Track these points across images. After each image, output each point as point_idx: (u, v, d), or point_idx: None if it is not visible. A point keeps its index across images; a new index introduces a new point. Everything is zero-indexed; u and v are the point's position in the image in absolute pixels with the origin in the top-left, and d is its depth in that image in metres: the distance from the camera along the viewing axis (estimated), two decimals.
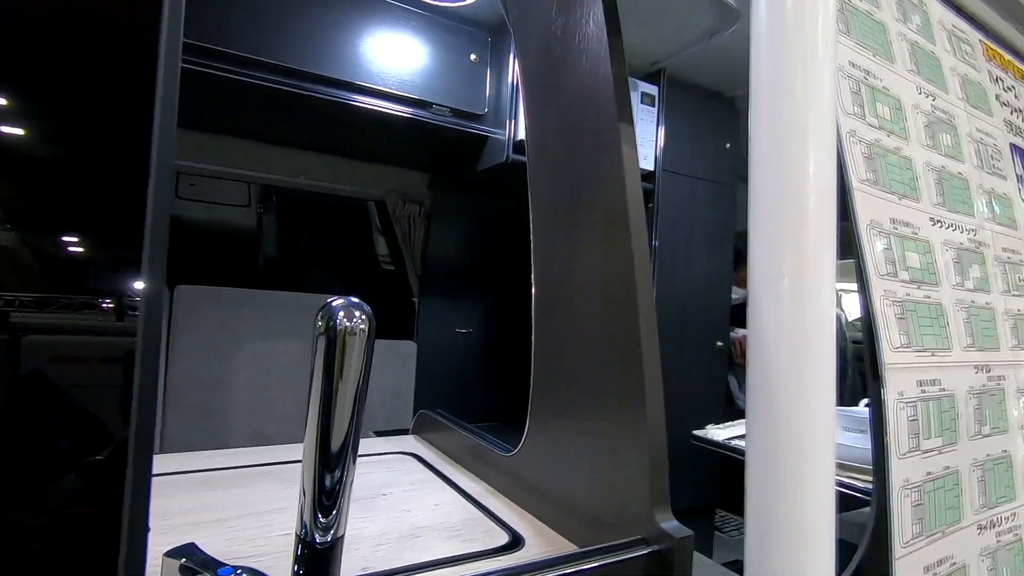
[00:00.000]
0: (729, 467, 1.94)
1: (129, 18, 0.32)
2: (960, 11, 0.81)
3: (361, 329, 0.39)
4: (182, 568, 0.39)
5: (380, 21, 1.66)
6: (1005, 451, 0.64)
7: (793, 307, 0.36)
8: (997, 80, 0.83)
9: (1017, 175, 0.80)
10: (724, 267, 2.38)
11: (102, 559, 0.27)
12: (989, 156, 0.75)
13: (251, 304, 1.95)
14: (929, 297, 0.58)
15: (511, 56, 1.88)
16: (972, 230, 0.67)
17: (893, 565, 0.48)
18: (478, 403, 2.35)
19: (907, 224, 0.58)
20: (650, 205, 2.29)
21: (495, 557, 0.59)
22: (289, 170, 2.11)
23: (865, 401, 1.47)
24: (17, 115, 0.28)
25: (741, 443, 0.97)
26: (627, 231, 0.56)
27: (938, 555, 0.53)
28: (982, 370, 0.63)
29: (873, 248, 0.53)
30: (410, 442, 1.03)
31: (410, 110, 1.77)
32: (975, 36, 0.82)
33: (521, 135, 1.88)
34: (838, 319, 2.20)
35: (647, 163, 2.25)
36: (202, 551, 0.41)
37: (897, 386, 0.51)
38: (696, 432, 1.70)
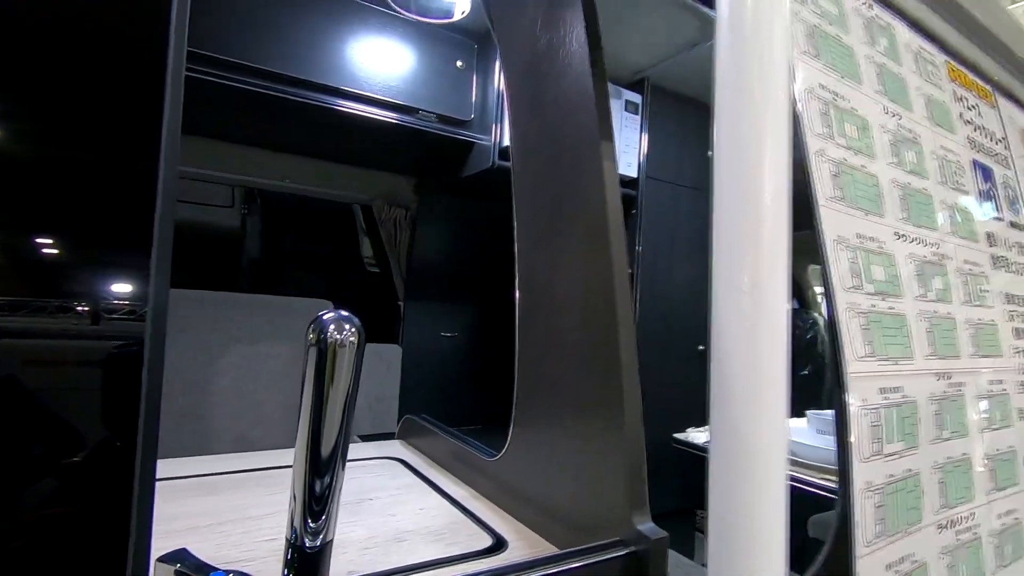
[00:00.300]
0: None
1: (138, 29, 0.33)
2: (926, 34, 0.85)
3: (351, 341, 0.41)
4: (176, 573, 0.40)
5: (367, 27, 1.67)
6: (964, 454, 0.67)
7: (750, 319, 0.39)
8: (960, 99, 0.87)
9: (979, 190, 0.84)
10: (706, 272, 2.42)
11: (94, 565, 0.28)
12: (952, 172, 0.79)
13: (236, 308, 1.95)
14: (893, 308, 0.61)
15: (497, 63, 1.91)
16: (935, 243, 0.71)
17: (856, 564, 0.51)
18: (462, 406, 2.37)
19: (872, 239, 0.61)
20: (633, 211, 2.32)
21: (478, 560, 0.60)
22: (275, 173, 2.11)
23: None
24: (22, 121, 0.30)
25: None
26: (607, 244, 0.59)
27: (899, 554, 0.56)
28: (943, 377, 0.66)
29: (838, 262, 0.56)
30: (395, 447, 1.04)
31: (396, 115, 1.79)
32: (940, 57, 0.86)
33: (506, 141, 1.90)
34: (816, 324, 2.25)
35: (631, 170, 2.28)
36: (194, 556, 0.42)
37: (860, 394, 0.54)
38: (677, 435, 1.74)
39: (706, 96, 0.44)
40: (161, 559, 0.42)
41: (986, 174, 0.87)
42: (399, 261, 2.37)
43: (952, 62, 0.89)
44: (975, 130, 0.88)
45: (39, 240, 0.31)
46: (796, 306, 2.24)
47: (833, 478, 1.11)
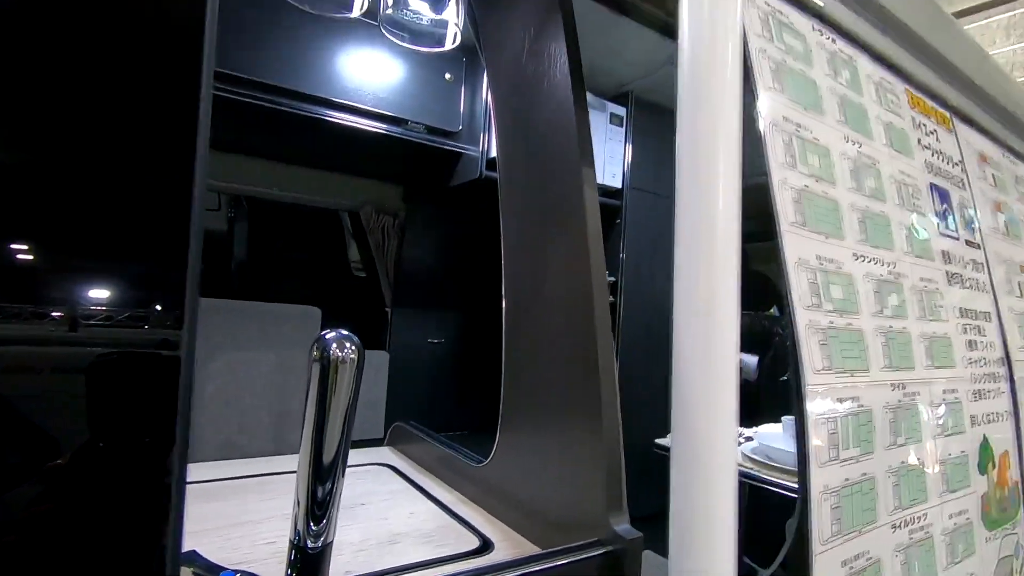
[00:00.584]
0: None
1: (174, 52, 0.37)
2: (887, 64, 0.91)
3: (351, 358, 0.44)
4: (192, 574, 0.43)
5: (357, 40, 1.71)
6: (918, 459, 0.73)
7: (705, 341, 0.44)
8: (920, 126, 0.93)
9: (935, 211, 0.90)
10: None
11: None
12: (909, 195, 0.84)
13: (220, 313, 1.96)
14: (850, 324, 0.66)
15: (484, 76, 1.95)
16: (892, 263, 0.76)
17: (813, 560, 0.56)
18: (449, 412, 2.39)
19: (832, 260, 0.66)
20: (618, 221, 2.38)
21: (467, 560, 0.64)
22: (264, 182, 2.13)
23: None
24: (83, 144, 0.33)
25: None
26: (587, 263, 0.63)
27: (854, 551, 0.60)
28: (898, 388, 0.71)
29: (799, 283, 0.61)
30: (385, 453, 1.08)
31: (385, 126, 1.82)
32: (900, 86, 0.92)
33: (494, 152, 1.94)
34: None
35: (615, 181, 2.34)
36: (204, 557, 0.45)
37: (818, 404, 0.59)
38: (658, 440, 1.78)
39: None
40: None
41: (943, 196, 0.93)
42: (387, 268, 2.40)
43: (912, 90, 0.95)
44: (933, 154, 0.94)
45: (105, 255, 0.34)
46: (777, 314, 2.30)
47: None
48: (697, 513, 0.42)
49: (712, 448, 0.42)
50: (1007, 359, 0.96)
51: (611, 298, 2.48)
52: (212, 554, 0.61)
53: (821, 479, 0.58)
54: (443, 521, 0.76)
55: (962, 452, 0.81)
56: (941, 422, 0.78)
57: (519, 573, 0.49)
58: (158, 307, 0.35)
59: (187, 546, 0.56)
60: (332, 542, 0.47)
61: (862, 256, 0.71)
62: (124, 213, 0.34)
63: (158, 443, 0.31)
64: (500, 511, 0.77)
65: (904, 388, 0.72)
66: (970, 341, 0.88)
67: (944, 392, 0.80)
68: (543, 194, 0.75)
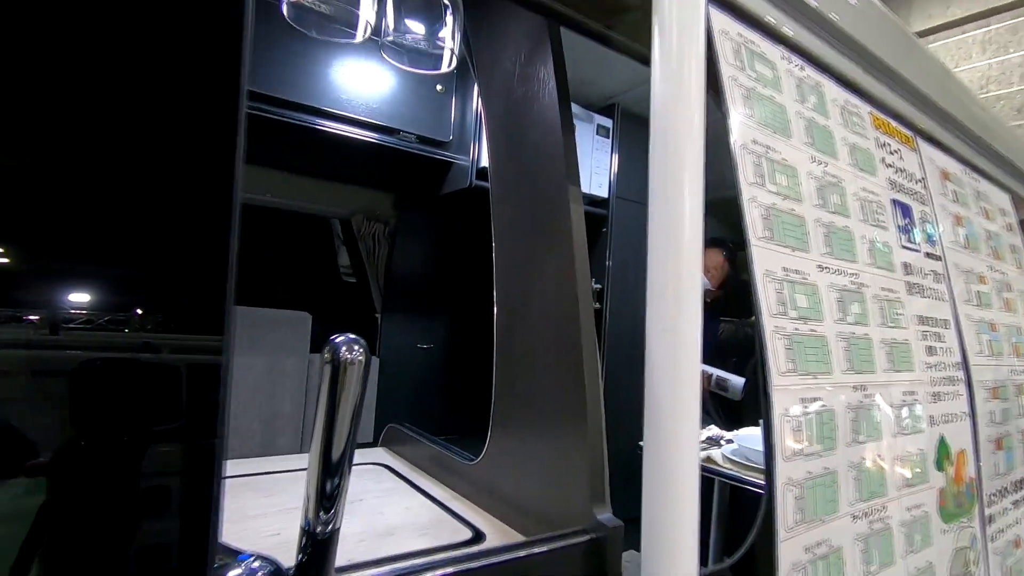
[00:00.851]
0: None
1: (217, 77, 0.42)
2: (853, 88, 0.97)
3: (359, 360, 0.49)
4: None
5: (351, 52, 1.75)
6: (878, 455, 0.78)
7: (672, 354, 0.49)
8: (883, 145, 1.00)
9: (897, 225, 0.96)
10: None
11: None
12: (873, 211, 0.91)
13: None
14: (814, 331, 0.72)
15: (475, 87, 2.00)
16: (855, 274, 0.82)
17: (778, 546, 0.61)
18: (438, 417, 2.43)
19: (797, 271, 0.72)
20: (604, 229, 2.44)
21: (460, 549, 0.69)
22: (257, 188, 2.16)
23: None
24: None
25: None
26: (574, 274, 0.68)
27: (816, 539, 0.66)
28: (859, 389, 0.77)
29: (767, 293, 0.67)
30: (379, 453, 1.12)
31: (377, 135, 1.86)
32: (865, 109, 0.99)
33: (484, 163, 1.99)
34: None
35: (602, 190, 2.40)
36: (224, 543, 0.49)
37: (783, 404, 0.65)
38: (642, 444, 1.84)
39: None
40: None
41: (905, 211, 1.00)
42: (377, 274, 2.44)
43: (876, 112, 1.02)
44: (896, 172, 1.01)
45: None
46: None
47: None
48: (666, 507, 0.48)
49: (678, 452, 0.48)
50: (965, 364, 1.03)
51: (597, 304, 2.54)
52: None
53: (785, 472, 0.63)
54: (437, 515, 0.80)
55: (920, 450, 0.87)
56: (900, 422, 0.84)
57: (512, 557, 0.54)
58: (200, 315, 0.40)
59: None
60: (339, 529, 0.51)
61: (826, 267, 0.77)
62: (174, 233, 0.38)
63: (202, 439, 0.36)
64: (491, 506, 0.81)
65: (865, 390, 0.78)
66: (929, 347, 0.95)
67: (904, 394, 0.86)
68: (533, 210, 0.80)
